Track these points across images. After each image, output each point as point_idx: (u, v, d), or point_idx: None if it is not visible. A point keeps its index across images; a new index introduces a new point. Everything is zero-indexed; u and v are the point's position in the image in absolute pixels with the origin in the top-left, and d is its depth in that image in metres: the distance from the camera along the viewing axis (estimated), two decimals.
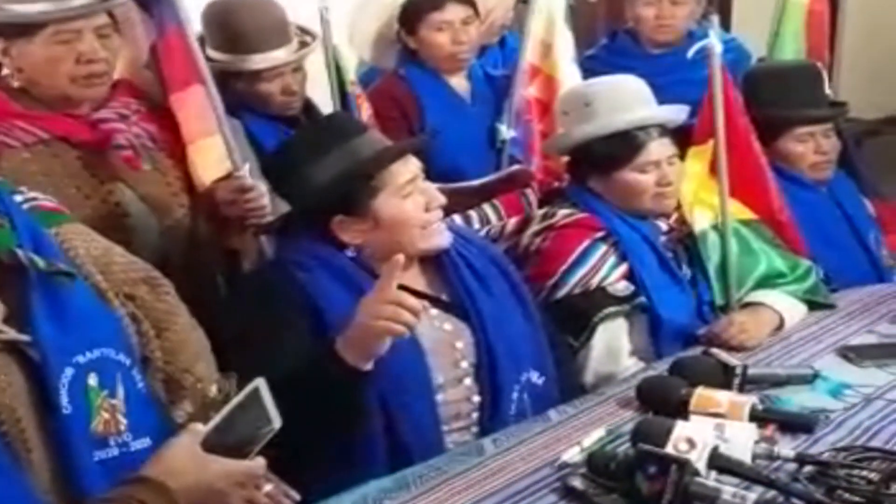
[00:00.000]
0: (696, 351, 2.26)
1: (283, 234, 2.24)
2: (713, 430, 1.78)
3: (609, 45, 3.49)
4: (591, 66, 3.22)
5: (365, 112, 2.96)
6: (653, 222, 2.52)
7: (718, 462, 1.66)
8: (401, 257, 1.80)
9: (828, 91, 3.02)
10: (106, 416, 1.52)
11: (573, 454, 1.83)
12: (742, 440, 1.77)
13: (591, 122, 2.50)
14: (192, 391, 1.73)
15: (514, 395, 2.08)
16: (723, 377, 2.05)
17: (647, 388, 2.06)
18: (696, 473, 1.60)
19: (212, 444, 1.43)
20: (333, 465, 1.88)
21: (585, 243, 2.44)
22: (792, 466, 1.75)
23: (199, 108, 2.37)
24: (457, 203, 2.38)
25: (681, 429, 1.70)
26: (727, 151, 2.54)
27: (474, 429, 2.06)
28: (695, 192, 2.59)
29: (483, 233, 2.56)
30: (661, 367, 2.22)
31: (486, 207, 2.66)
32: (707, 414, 1.88)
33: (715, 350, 2.19)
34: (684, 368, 2.09)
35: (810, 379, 2.15)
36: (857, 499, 1.65)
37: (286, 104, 2.74)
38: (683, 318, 2.45)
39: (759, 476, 1.66)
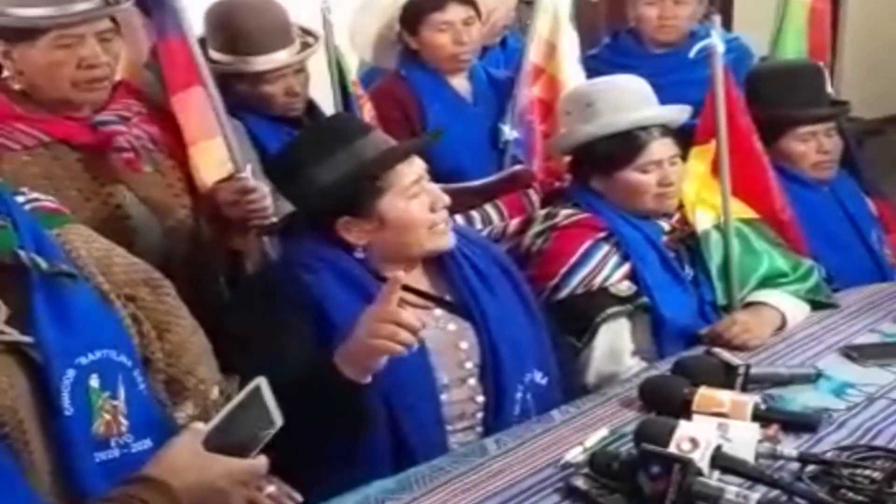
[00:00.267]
0: (699, 351, 2.26)
1: (286, 236, 2.24)
2: (716, 429, 1.77)
3: (611, 44, 3.49)
4: (592, 66, 3.21)
5: (367, 113, 2.96)
6: (655, 222, 2.52)
7: (721, 462, 1.66)
8: (401, 274, 1.79)
9: (829, 90, 3.02)
10: (107, 417, 1.52)
11: (576, 454, 1.83)
12: (745, 440, 1.77)
13: (594, 122, 2.50)
14: (193, 392, 1.73)
15: (518, 396, 2.08)
16: (725, 377, 2.05)
17: (649, 388, 2.06)
18: (699, 473, 1.60)
19: (213, 443, 1.43)
20: (337, 466, 1.88)
21: (588, 243, 2.44)
22: (795, 466, 1.75)
23: (200, 109, 2.37)
24: (459, 203, 2.38)
25: (683, 428, 1.70)
26: (729, 151, 2.54)
27: (478, 429, 2.06)
28: (697, 191, 2.59)
29: (485, 233, 2.56)
30: (664, 367, 2.22)
31: (489, 208, 2.66)
32: (710, 413, 1.88)
33: (717, 350, 2.19)
34: (687, 368, 2.09)
35: (813, 378, 2.15)
36: (860, 498, 1.65)
37: (289, 105, 2.74)
38: (686, 318, 2.44)
39: (763, 476, 1.66)
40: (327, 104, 2.93)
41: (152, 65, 2.43)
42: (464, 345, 2.08)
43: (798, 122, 2.85)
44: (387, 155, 2.05)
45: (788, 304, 2.49)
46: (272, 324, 1.95)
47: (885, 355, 2.25)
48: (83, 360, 1.51)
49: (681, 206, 2.56)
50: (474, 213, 2.63)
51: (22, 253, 1.50)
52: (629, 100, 2.52)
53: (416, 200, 2.05)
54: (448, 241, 2.10)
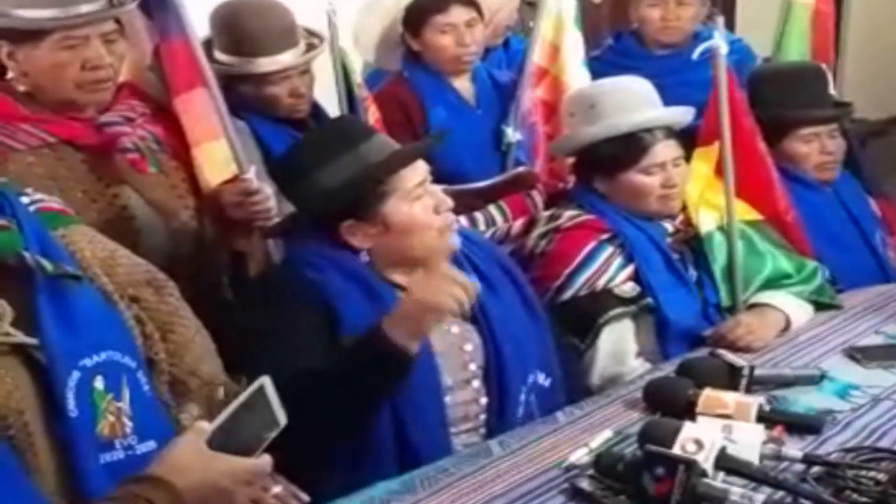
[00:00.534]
0: (703, 352, 2.26)
1: (290, 237, 2.23)
2: (720, 431, 1.77)
3: (614, 46, 3.49)
4: (595, 68, 3.21)
5: (372, 115, 2.96)
6: (658, 223, 2.52)
7: (726, 463, 1.66)
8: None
9: (832, 91, 3.02)
10: (111, 419, 1.52)
11: (580, 456, 1.83)
12: (749, 441, 1.77)
13: (597, 124, 2.50)
14: (198, 393, 1.73)
15: (522, 397, 2.08)
16: (729, 378, 2.05)
17: (653, 390, 2.06)
18: (704, 474, 1.60)
19: (217, 443, 1.42)
20: (342, 467, 1.88)
21: (591, 245, 2.44)
22: (799, 467, 1.75)
23: (203, 110, 2.37)
24: (462, 205, 2.38)
25: (688, 430, 1.69)
26: (733, 152, 2.54)
27: (482, 430, 2.06)
28: (700, 193, 2.59)
29: (489, 235, 2.56)
30: (668, 369, 2.21)
31: (492, 209, 2.66)
32: (714, 415, 1.88)
33: (721, 351, 2.19)
34: (691, 369, 2.09)
35: (817, 380, 2.14)
36: (864, 499, 1.65)
37: (294, 107, 2.73)
38: (690, 320, 2.44)
39: (767, 477, 1.66)
40: (332, 106, 2.93)
41: (156, 66, 2.43)
42: (468, 347, 2.08)
43: (801, 124, 2.85)
44: (391, 159, 2.05)
45: (792, 305, 2.49)
46: (286, 318, 1.94)
47: (890, 357, 2.25)
48: (88, 362, 1.52)
49: (684, 208, 2.56)
50: (478, 215, 2.63)
51: (27, 254, 1.51)
52: (633, 101, 2.52)
53: (419, 203, 2.04)
54: (454, 242, 2.10)
